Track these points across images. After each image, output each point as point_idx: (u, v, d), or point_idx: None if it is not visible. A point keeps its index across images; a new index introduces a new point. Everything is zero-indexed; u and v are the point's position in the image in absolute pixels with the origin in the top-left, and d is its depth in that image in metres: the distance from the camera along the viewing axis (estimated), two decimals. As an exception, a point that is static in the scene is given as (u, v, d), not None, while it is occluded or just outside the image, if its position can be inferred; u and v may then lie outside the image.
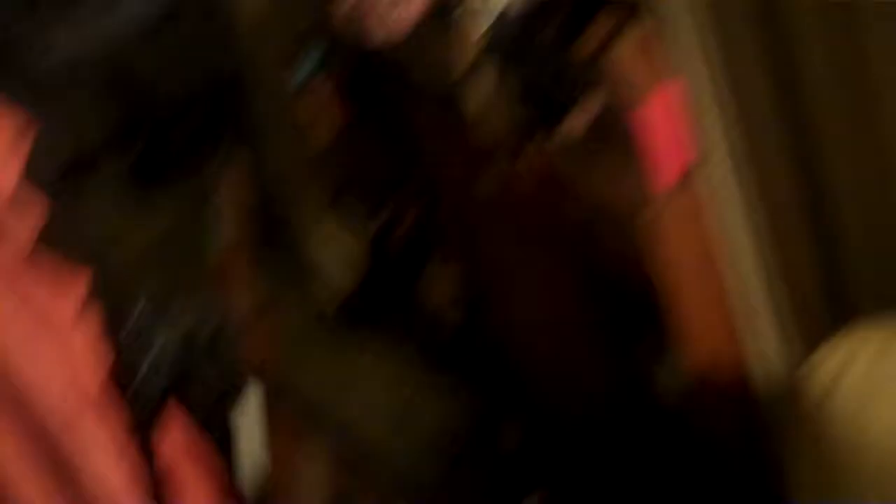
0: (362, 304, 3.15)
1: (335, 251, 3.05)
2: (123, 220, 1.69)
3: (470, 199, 2.17)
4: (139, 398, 1.09)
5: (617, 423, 2.06)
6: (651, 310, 1.79)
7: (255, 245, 1.96)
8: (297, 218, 3.07)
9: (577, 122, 1.83)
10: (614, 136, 1.78)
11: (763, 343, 1.73)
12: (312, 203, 2.99)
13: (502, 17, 1.94)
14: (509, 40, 1.94)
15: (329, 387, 3.00)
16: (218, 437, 1.21)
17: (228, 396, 1.59)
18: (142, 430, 1.10)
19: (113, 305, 1.09)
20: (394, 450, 2.75)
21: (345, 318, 3.24)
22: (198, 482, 1.24)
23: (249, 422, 1.64)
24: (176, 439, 1.16)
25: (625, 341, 2.01)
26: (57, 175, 1.00)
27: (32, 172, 0.97)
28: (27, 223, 0.96)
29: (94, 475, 1.06)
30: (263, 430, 1.70)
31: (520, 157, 1.93)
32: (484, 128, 1.95)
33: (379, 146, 2.76)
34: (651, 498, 1.97)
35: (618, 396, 2.04)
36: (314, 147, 2.82)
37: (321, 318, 3.27)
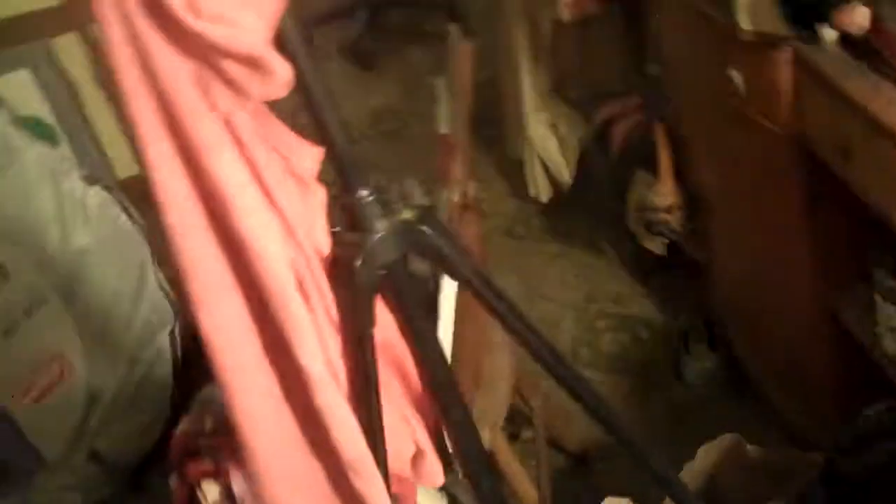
0: (573, 200, 3.10)
1: (552, 142, 2.97)
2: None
3: (715, 104, 2.04)
4: (357, 281, 1.05)
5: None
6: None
7: (472, 129, 1.88)
8: (516, 105, 3.00)
9: (847, 23, 1.65)
10: (888, 41, 1.60)
11: None
12: (536, 90, 2.91)
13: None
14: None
15: (527, 285, 2.97)
16: (418, 326, 1.16)
17: (433, 285, 1.55)
18: (357, 313, 1.06)
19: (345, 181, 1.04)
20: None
21: (554, 213, 3.20)
22: (403, 372, 1.22)
23: (446, 313, 1.61)
24: (386, 327, 1.12)
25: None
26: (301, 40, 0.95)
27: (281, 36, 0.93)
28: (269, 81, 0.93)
29: (302, 348, 1.03)
30: (455, 322, 1.67)
31: (779, 56, 1.77)
32: (744, 19, 1.78)
33: (619, 37, 2.64)
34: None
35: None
36: (548, 30, 2.73)
37: (528, 213, 3.23)
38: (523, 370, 2.16)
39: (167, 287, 2.67)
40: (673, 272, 2.81)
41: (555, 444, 2.43)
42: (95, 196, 2.54)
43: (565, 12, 2.55)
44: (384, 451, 1.14)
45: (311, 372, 1.03)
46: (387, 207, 1.07)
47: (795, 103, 1.79)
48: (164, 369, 2.72)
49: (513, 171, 3.24)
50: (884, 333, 1.77)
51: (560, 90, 2.95)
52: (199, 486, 1.75)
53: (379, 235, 1.06)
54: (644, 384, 2.61)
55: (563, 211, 3.21)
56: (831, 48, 1.66)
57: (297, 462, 1.10)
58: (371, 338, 1.10)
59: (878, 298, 1.77)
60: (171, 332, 2.71)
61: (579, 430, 2.52)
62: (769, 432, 2.14)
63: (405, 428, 1.22)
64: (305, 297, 1.03)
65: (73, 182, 2.51)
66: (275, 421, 1.08)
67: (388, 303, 1.14)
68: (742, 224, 2.18)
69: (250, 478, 1.11)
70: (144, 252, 2.62)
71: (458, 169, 1.72)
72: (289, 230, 1.02)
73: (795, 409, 2.16)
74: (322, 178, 1.08)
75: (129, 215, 2.60)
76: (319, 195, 1.07)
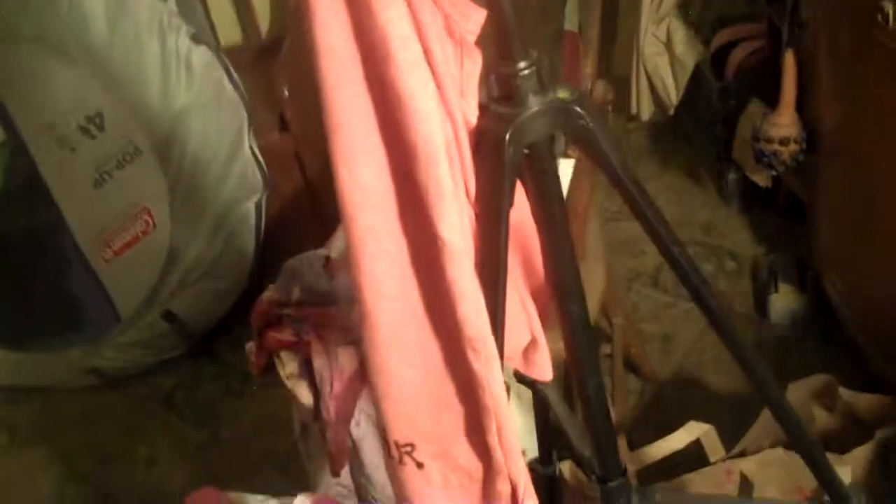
0: (677, 123, 3.03)
1: (664, 60, 2.89)
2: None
3: (857, 35, 1.94)
4: (503, 155, 1.01)
5: None
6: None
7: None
8: (633, 19, 2.92)
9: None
10: None
11: None
12: (656, 5, 2.82)
13: None
14: None
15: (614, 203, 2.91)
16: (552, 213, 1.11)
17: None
18: (497, 190, 1.02)
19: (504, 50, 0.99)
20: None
21: (654, 134, 3.13)
22: (527, 258, 1.18)
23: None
24: (520, 208, 1.09)
25: None
26: None
27: None
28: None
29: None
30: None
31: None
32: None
33: None
34: None
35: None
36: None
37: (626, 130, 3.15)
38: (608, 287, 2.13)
39: (260, 157, 2.66)
40: (773, 207, 2.75)
41: (630, 364, 2.41)
42: (201, 56, 2.51)
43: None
44: (503, 336, 1.11)
45: (448, 242, 0.99)
46: (543, 83, 1.03)
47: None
48: (247, 238, 2.72)
49: (616, 89, 3.17)
50: None
51: (682, 10, 2.86)
52: (278, 355, 1.73)
53: (533, 111, 1.01)
54: (726, 317, 2.57)
55: (663, 133, 3.14)
56: None
57: (416, 333, 1.07)
58: (507, 218, 1.06)
59: None
60: (258, 203, 2.70)
61: (654, 355, 2.50)
62: (855, 380, 2.09)
63: (523, 316, 1.19)
64: (450, 164, 0.99)
65: (181, 40, 2.48)
66: (399, 288, 1.05)
67: (525, 184, 1.10)
68: (862, 169, 2.10)
69: (364, 343, 1.09)
70: (242, 118, 2.60)
71: (588, 65, 1.66)
72: (442, 92, 0.98)
73: (889, 360, 2.11)
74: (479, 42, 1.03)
75: (232, 80, 2.57)
76: (476, 60, 1.02)
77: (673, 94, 2.89)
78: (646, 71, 2.93)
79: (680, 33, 2.85)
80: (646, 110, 3.00)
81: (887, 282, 2.09)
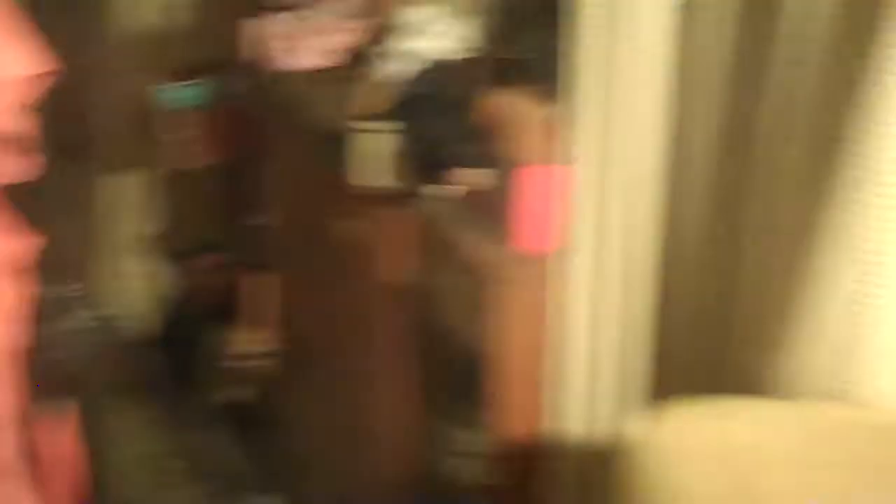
0: (154, 348, 2.99)
1: (134, 288, 2.96)
2: None
3: (320, 246, 2.18)
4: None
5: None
6: (476, 374, 1.81)
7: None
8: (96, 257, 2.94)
9: (460, 182, 1.85)
10: (494, 200, 1.80)
11: (574, 423, 1.77)
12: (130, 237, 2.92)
13: (422, 65, 1.95)
14: (422, 91, 1.95)
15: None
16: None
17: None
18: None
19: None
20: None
21: (131, 361, 2.99)
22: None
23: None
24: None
25: (443, 402, 2.06)
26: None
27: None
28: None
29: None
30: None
31: (391, 210, 1.95)
32: (364, 174, 1.95)
33: (218, 189, 2.72)
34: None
35: (419, 458, 2.08)
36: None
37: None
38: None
39: None
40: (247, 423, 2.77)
41: None
42: None
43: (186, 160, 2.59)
44: None
45: None
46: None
47: (409, 255, 1.97)
48: None
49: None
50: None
51: (156, 240, 2.98)
52: None
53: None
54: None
55: (136, 361, 3.00)
56: (444, 202, 1.84)
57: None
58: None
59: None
60: None
61: None
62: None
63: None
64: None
65: None
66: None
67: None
68: (338, 374, 2.30)
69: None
70: None
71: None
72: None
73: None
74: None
75: None
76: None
77: (145, 324, 2.95)
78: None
79: (153, 263, 2.95)
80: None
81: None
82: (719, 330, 1.68)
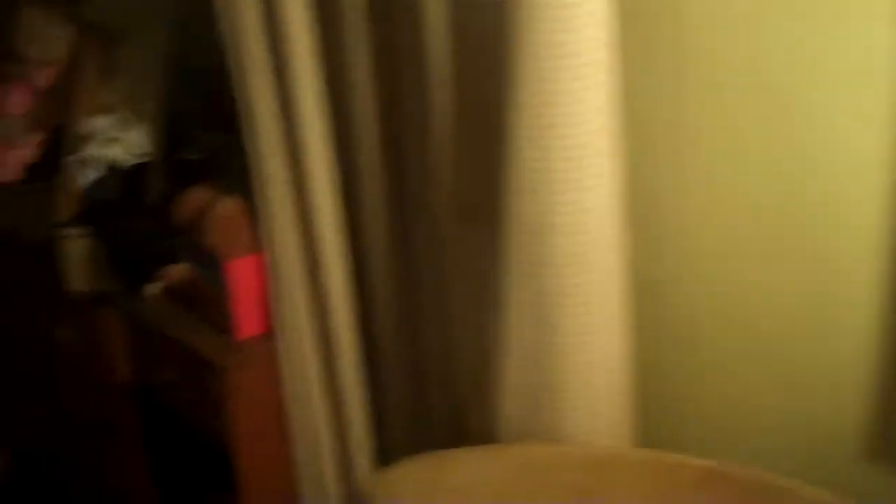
0: None
1: None
2: None
3: (44, 349, 2.20)
4: None
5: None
6: (223, 462, 1.86)
7: None
8: None
9: (167, 278, 1.91)
10: (205, 292, 1.88)
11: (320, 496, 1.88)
12: None
13: (108, 170, 2.00)
14: (110, 195, 2.01)
15: None
16: None
17: None
18: None
19: None
20: None
21: None
22: None
23: None
24: None
25: (190, 495, 2.10)
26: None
27: None
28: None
29: None
30: None
31: (107, 310, 1.99)
32: (73, 280, 1.99)
33: None
34: None
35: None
36: None
37: None
38: None
39: None
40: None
41: None
42: None
43: None
44: None
45: None
46: None
47: (126, 353, 2.01)
48: None
49: None
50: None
51: None
52: None
53: None
54: None
55: None
56: (155, 300, 1.90)
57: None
58: None
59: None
60: None
61: None
62: None
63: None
64: None
65: None
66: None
67: None
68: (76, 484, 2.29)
69: None
70: None
71: None
72: None
73: None
74: None
75: None
76: None
77: None
78: None
79: None
80: None
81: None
82: (428, 387, 1.80)
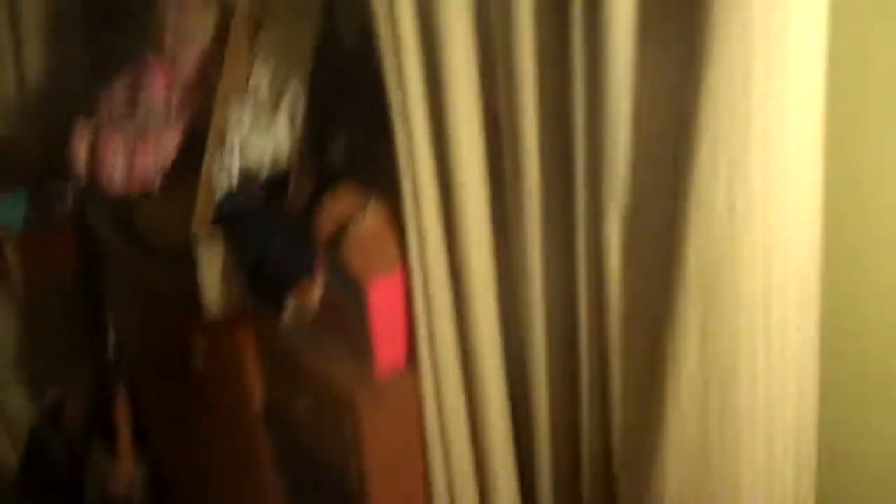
0: (24, 485, 2.80)
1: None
2: None
3: (174, 374, 2.04)
4: None
5: None
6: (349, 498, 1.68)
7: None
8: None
9: (306, 298, 1.70)
10: (342, 316, 1.67)
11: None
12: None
13: (246, 179, 1.81)
14: (250, 203, 1.81)
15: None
16: None
17: None
18: None
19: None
20: None
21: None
22: None
23: None
24: None
25: None
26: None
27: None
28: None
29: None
30: None
31: (242, 330, 1.81)
32: (209, 295, 1.81)
33: (68, 310, 2.58)
34: None
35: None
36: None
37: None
38: None
39: None
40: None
41: None
42: None
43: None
44: None
45: None
46: None
47: (260, 376, 1.82)
48: None
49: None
50: None
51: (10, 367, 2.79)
52: None
53: None
54: None
55: (8, 500, 2.85)
56: (292, 321, 1.69)
57: None
58: None
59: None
60: None
61: None
62: None
63: None
64: None
65: None
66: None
67: None
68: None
69: None
70: None
71: None
72: None
73: None
74: None
75: None
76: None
77: (12, 457, 2.77)
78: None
79: (10, 393, 2.77)
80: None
81: None
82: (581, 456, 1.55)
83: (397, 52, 1.44)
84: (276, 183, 1.78)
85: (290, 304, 1.70)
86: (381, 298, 1.62)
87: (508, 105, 1.39)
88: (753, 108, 1.08)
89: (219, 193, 1.83)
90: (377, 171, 1.62)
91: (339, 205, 1.69)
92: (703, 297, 1.18)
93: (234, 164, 1.79)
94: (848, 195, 1.22)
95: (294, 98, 1.77)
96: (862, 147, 1.21)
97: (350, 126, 1.75)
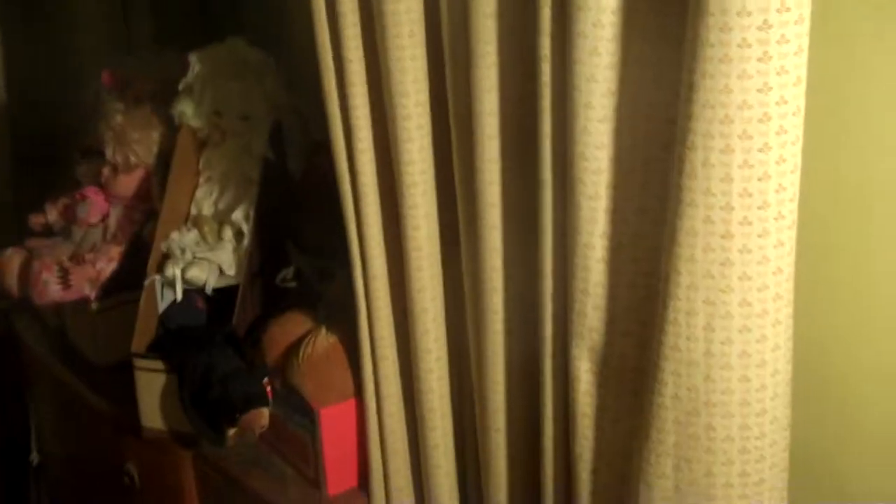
0: None
1: None
2: None
3: (109, 491, 1.98)
4: None
5: None
6: None
7: None
8: None
9: (256, 424, 1.65)
10: (291, 440, 1.63)
11: None
12: None
13: (189, 298, 1.77)
14: (193, 322, 1.77)
15: None
16: None
17: None
18: None
19: None
20: None
21: None
22: None
23: None
24: None
25: None
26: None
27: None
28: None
29: None
30: None
31: (181, 451, 1.76)
32: (147, 415, 1.75)
33: None
34: None
35: None
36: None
37: None
38: None
39: None
40: None
41: None
42: None
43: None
44: None
45: None
46: None
47: (198, 499, 1.77)
48: None
49: None
50: None
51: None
52: None
53: None
54: None
55: None
56: (234, 445, 1.65)
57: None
58: None
59: None
60: None
61: None
62: None
63: None
64: None
65: None
66: None
67: None
68: None
69: None
70: None
71: None
72: None
73: None
74: None
75: None
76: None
77: None
78: None
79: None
80: None
81: None
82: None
83: (353, 169, 1.42)
84: (221, 303, 1.74)
85: (234, 430, 1.66)
86: (334, 423, 1.59)
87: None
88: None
89: (160, 311, 1.79)
90: (328, 296, 1.60)
91: (289, 328, 1.66)
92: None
93: (178, 282, 1.74)
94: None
95: (241, 217, 1.75)
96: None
97: (300, 249, 1.73)
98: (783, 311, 1.08)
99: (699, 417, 1.12)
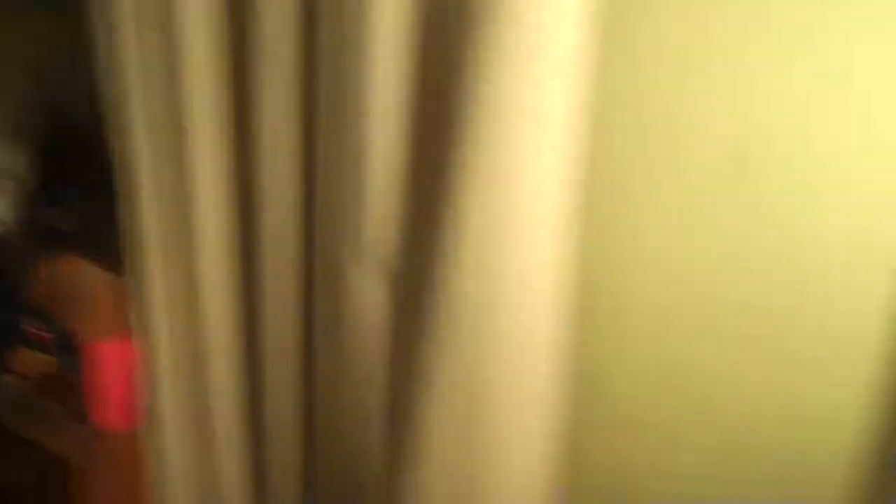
0: None
1: None
2: None
3: None
4: None
5: None
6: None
7: None
8: None
9: (23, 366, 1.65)
10: (64, 382, 1.63)
11: None
12: None
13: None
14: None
15: None
16: None
17: None
18: None
19: None
20: None
21: None
22: None
23: None
24: None
25: None
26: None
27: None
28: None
29: None
30: None
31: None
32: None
33: None
34: None
35: None
36: None
37: None
38: None
39: None
40: None
41: None
42: None
43: None
44: None
45: None
46: None
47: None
48: None
49: None
50: None
51: None
52: None
53: None
54: None
55: None
56: (11, 391, 1.64)
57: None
58: None
59: None
60: None
61: None
62: None
63: None
64: None
65: None
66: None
67: None
68: None
69: None
70: None
71: None
72: None
73: None
74: None
75: None
76: None
77: None
78: None
79: None
80: None
81: None
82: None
83: (123, 111, 1.43)
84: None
85: (9, 374, 1.65)
86: (103, 360, 1.60)
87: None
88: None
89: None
90: (101, 239, 1.61)
91: (60, 268, 1.66)
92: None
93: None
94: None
95: (9, 159, 1.74)
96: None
97: (73, 191, 1.74)
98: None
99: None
